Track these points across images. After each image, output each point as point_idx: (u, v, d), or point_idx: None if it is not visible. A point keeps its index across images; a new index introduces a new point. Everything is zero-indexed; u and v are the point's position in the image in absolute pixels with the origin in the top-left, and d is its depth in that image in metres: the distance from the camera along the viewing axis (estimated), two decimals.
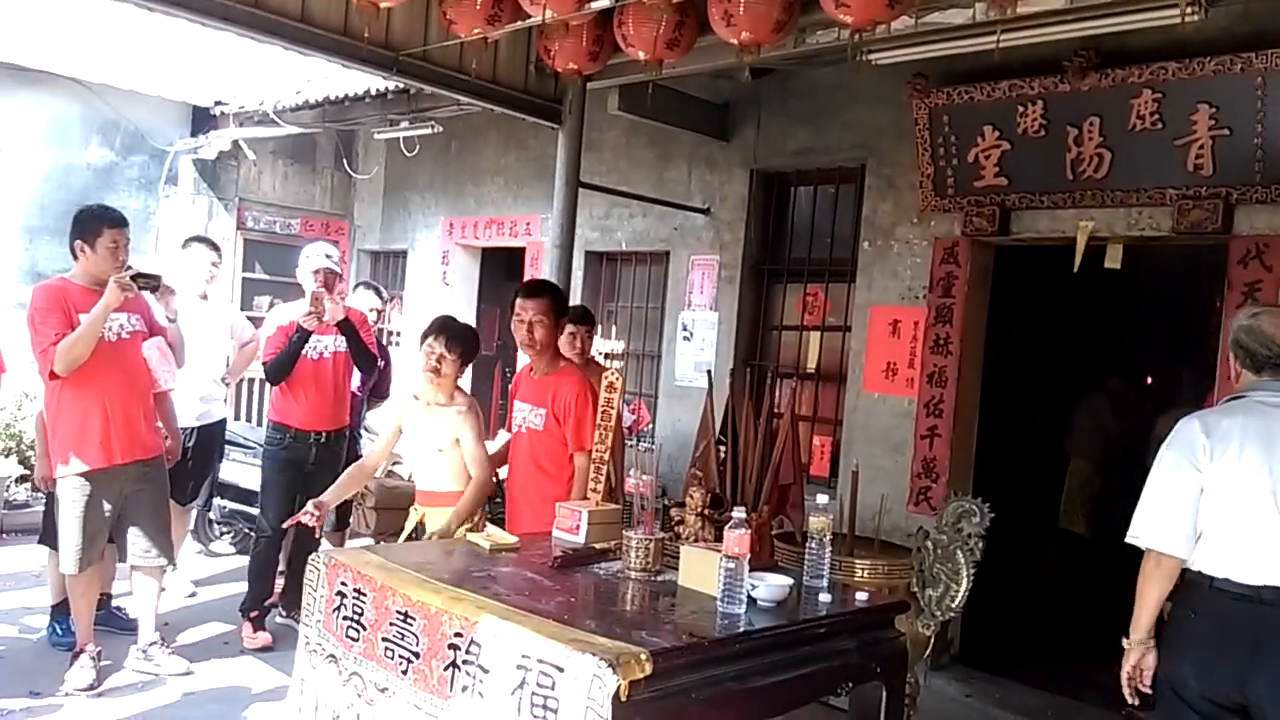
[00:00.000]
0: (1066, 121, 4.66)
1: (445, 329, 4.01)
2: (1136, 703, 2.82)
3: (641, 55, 3.96)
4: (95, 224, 4.09)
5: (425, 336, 4.00)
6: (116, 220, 4.14)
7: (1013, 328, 6.10)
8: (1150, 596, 2.73)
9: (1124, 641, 2.79)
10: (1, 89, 7.55)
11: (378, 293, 5.90)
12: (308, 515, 3.61)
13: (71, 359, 3.89)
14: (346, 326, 4.82)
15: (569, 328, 4.42)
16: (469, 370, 4.25)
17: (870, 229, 5.63)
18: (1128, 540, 2.77)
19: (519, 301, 3.78)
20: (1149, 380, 6.09)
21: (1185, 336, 6.32)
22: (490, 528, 3.32)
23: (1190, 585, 2.70)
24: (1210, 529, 2.66)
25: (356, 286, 6.27)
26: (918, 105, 5.06)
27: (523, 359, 4.19)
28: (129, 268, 4.11)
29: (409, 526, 4.00)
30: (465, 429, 3.85)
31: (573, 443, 3.68)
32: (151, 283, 4.17)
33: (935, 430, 5.25)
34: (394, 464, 5.85)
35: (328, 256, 4.98)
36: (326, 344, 4.86)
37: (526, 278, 7.80)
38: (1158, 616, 2.75)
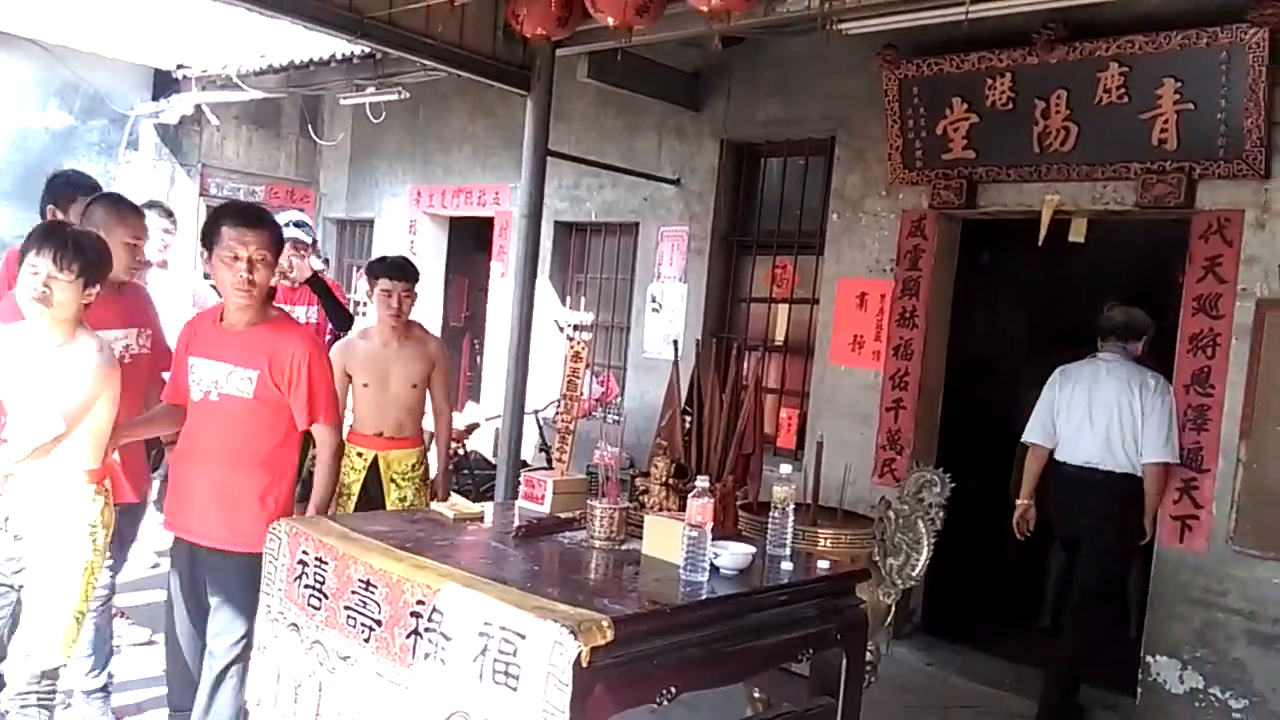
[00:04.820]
0: (1034, 94, 4.68)
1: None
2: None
3: (610, 21, 3.91)
4: (69, 189, 3.97)
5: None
6: (91, 187, 4.02)
7: (979, 301, 6.15)
8: (1030, 471, 4.60)
9: (1016, 502, 4.64)
10: None
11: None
12: None
13: None
14: (317, 284, 4.79)
15: (381, 284, 4.11)
16: None
17: (839, 201, 5.64)
18: (1022, 439, 4.64)
19: (230, 231, 2.95)
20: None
21: (1147, 310, 6.38)
22: (454, 497, 3.30)
23: (1052, 465, 4.52)
24: (1059, 432, 4.48)
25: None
26: (887, 76, 5.05)
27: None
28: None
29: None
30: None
31: (305, 416, 3.02)
32: None
33: (900, 403, 5.29)
34: None
35: (296, 225, 4.92)
36: (299, 314, 4.81)
37: (493, 247, 7.76)
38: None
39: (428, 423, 4.36)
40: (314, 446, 3.25)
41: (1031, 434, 4.57)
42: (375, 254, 8.63)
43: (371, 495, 4.09)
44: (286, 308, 4.71)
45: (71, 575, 2.84)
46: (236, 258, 2.93)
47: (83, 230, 2.94)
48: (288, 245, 4.80)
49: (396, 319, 4.13)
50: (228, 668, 2.98)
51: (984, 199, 5.06)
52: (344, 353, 4.16)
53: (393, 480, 4.12)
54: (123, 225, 3.37)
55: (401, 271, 4.18)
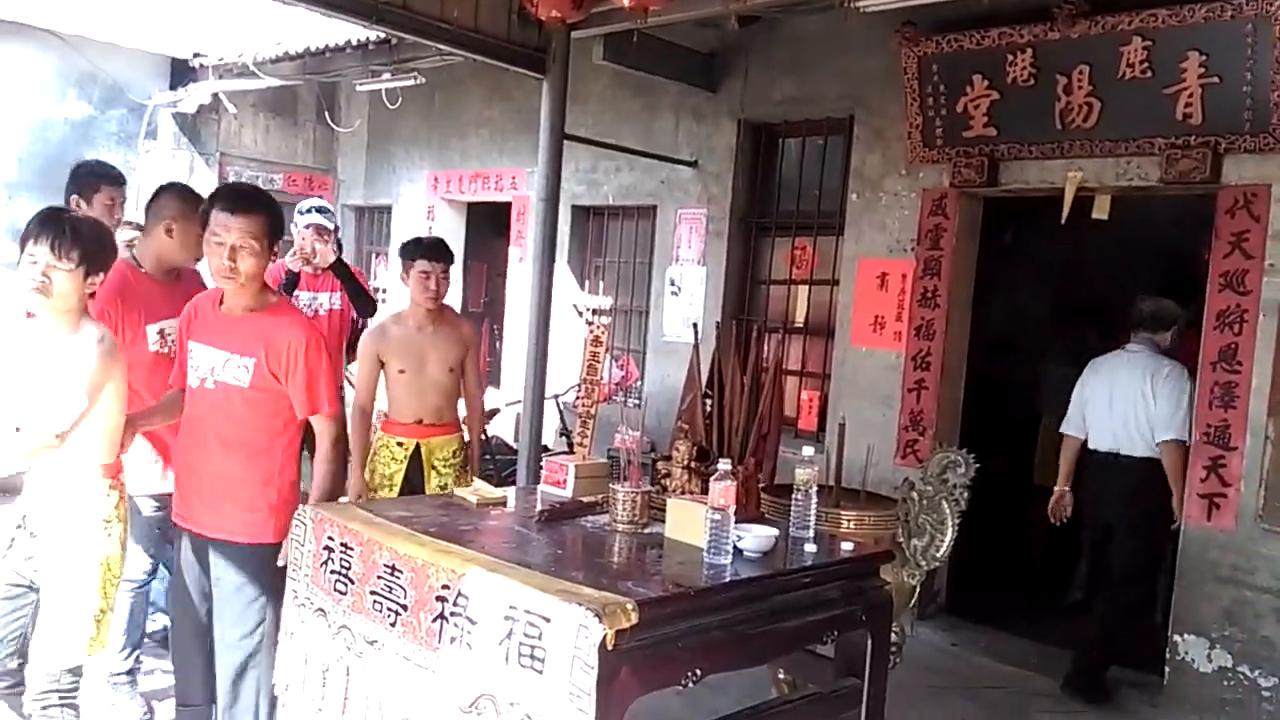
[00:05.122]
0: (1056, 70, 4.62)
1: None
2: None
3: (626, 2, 3.88)
4: (93, 179, 4.01)
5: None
6: (115, 178, 4.07)
7: (1001, 280, 6.09)
8: (1065, 460, 4.81)
9: (1054, 489, 4.83)
10: None
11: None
12: None
13: None
14: (340, 268, 4.77)
15: (420, 265, 4.01)
16: None
17: (858, 181, 5.59)
18: (1060, 430, 4.86)
19: (216, 215, 2.86)
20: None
21: (1173, 287, 6.31)
22: (477, 481, 3.31)
23: (1084, 454, 4.74)
24: (1087, 421, 4.72)
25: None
26: (906, 54, 5.00)
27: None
28: (130, 224, 4.05)
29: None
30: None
31: (304, 407, 2.93)
32: None
33: (923, 383, 5.26)
34: None
35: (319, 211, 4.93)
36: (323, 301, 4.81)
37: (511, 232, 7.76)
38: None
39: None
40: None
41: (1066, 425, 4.83)
42: (394, 240, 8.70)
43: (414, 484, 4.00)
44: (310, 294, 4.75)
45: (88, 573, 2.73)
46: (220, 243, 2.83)
47: (82, 217, 2.83)
48: (310, 230, 4.80)
49: (434, 301, 4.03)
50: (247, 660, 2.91)
51: (1006, 177, 5.01)
52: (377, 339, 4.06)
53: (433, 467, 4.04)
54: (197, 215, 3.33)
55: (439, 252, 4.09)
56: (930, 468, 3.07)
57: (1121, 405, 4.56)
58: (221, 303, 2.98)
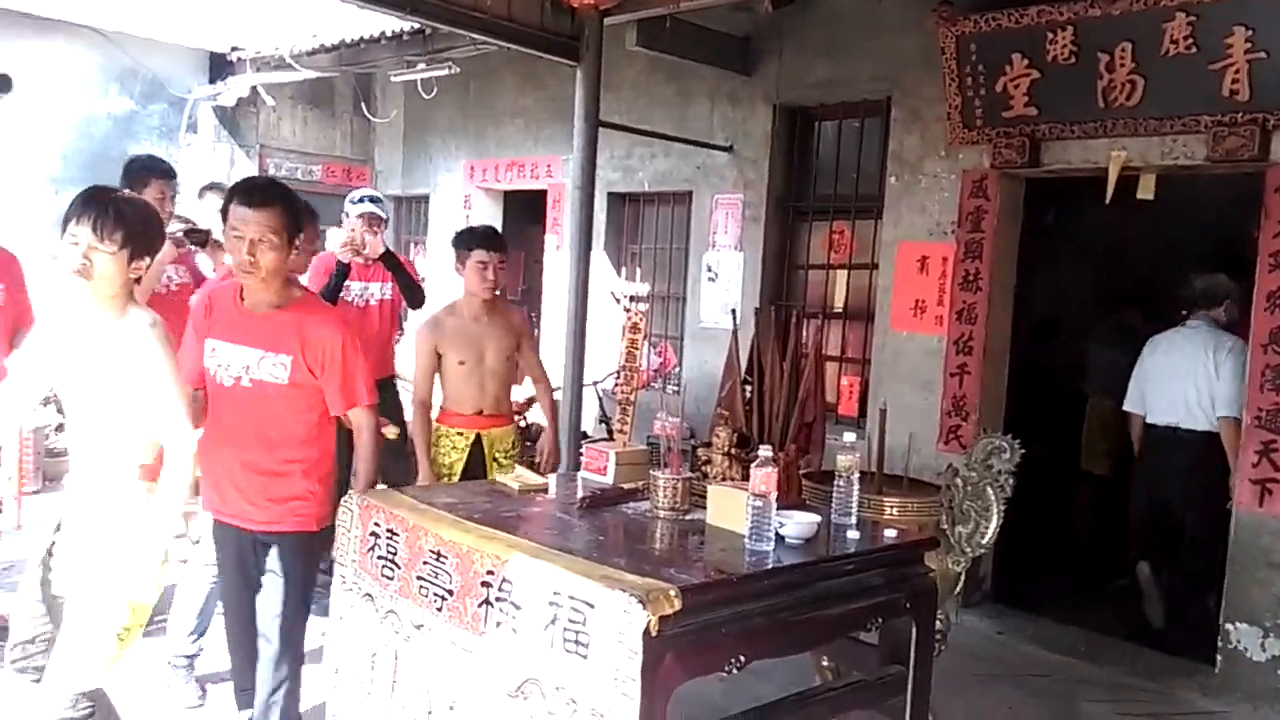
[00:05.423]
0: (1097, 48, 4.53)
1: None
2: None
3: None
4: (144, 173, 4.09)
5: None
6: (165, 171, 4.14)
7: (1044, 262, 6.01)
8: (1134, 436, 5.02)
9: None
10: (21, 38, 7.53)
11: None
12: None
13: None
14: (391, 260, 4.78)
15: (477, 255, 3.94)
16: None
17: (897, 163, 5.53)
18: (1123, 408, 5.08)
19: (237, 210, 2.83)
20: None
21: (1221, 268, 6.20)
22: (519, 469, 3.33)
23: (1145, 429, 4.93)
24: (1147, 397, 4.89)
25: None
26: (944, 34, 4.93)
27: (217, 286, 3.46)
28: (180, 217, 4.11)
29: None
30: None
31: (341, 402, 2.95)
32: (199, 237, 4.17)
33: (965, 368, 5.21)
34: None
35: (371, 200, 4.98)
36: (374, 291, 4.84)
37: (547, 219, 7.77)
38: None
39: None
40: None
41: (1128, 403, 5.03)
42: (432, 230, 8.76)
43: (475, 477, 3.91)
44: (361, 284, 4.78)
45: (118, 587, 2.54)
46: (240, 237, 2.80)
47: (129, 197, 2.66)
48: (361, 221, 4.82)
49: (492, 291, 3.98)
50: (287, 643, 2.95)
51: (1048, 157, 4.93)
52: (433, 330, 3.98)
53: (495, 459, 3.98)
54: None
55: (496, 242, 4.02)
56: (975, 453, 3.05)
57: (1182, 380, 4.67)
58: (243, 299, 2.94)
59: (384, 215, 5.03)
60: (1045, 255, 6.02)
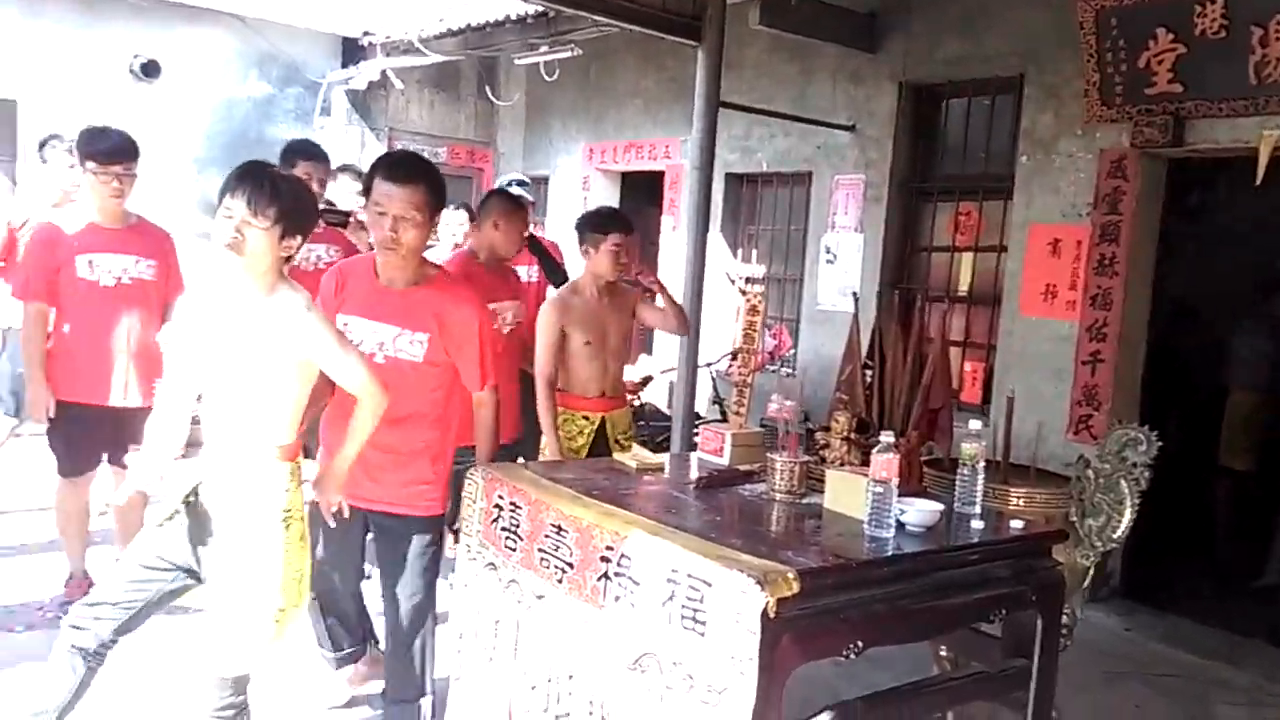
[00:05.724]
0: (1250, 21, 4.26)
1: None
2: None
3: None
4: (292, 155, 4.27)
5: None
6: (313, 154, 4.30)
7: (1186, 247, 5.71)
8: None
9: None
10: (166, 25, 7.96)
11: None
12: None
13: None
14: (534, 244, 4.80)
15: (613, 238, 3.91)
16: None
17: (1029, 142, 5.33)
18: None
19: (380, 185, 2.82)
20: None
21: None
22: (636, 447, 3.36)
23: None
24: None
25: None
26: (1082, 7, 4.72)
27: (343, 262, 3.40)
28: (325, 201, 4.25)
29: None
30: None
31: (478, 380, 2.99)
32: (339, 219, 4.31)
33: (1098, 356, 5.00)
34: None
35: (518, 184, 5.08)
36: (520, 274, 4.91)
37: (664, 200, 7.78)
38: None
39: None
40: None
41: None
42: (551, 211, 8.88)
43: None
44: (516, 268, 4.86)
45: (264, 571, 2.50)
46: (382, 213, 2.78)
47: (285, 175, 2.61)
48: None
49: (623, 273, 4.02)
50: (417, 620, 3.00)
51: (1192, 136, 4.67)
52: (561, 311, 3.93)
53: (617, 441, 3.96)
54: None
55: (629, 225, 4.06)
56: (1108, 444, 2.93)
57: None
58: (377, 274, 2.91)
59: (530, 199, 5.10)
60: (1188, 239, 5.72)
